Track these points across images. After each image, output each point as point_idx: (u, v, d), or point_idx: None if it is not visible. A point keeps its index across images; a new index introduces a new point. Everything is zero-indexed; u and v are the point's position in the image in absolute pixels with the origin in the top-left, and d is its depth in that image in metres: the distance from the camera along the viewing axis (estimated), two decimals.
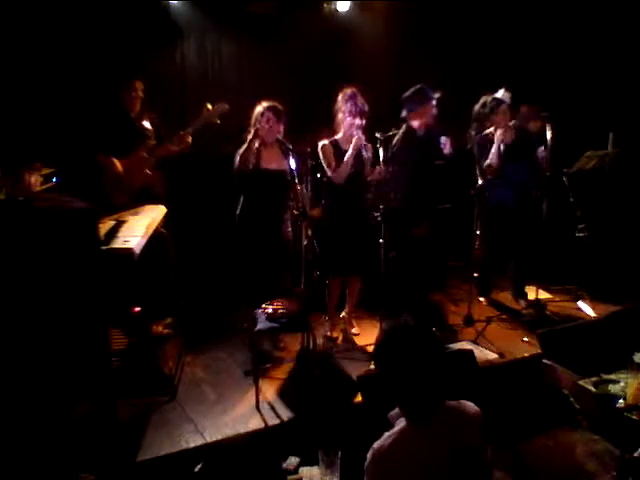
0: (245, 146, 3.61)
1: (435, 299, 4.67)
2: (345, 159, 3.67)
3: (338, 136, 3.78)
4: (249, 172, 3.54)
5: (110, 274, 2.73)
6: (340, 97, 3.73)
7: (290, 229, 3.77)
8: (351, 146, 3.66)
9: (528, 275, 4.55)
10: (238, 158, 3.60)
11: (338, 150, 3.73)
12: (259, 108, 3.58)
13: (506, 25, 5.34)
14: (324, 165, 3.76)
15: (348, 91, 3.70)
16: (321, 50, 5.04)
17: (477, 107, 4.31)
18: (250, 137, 3.61)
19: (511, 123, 4.22)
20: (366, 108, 3.68)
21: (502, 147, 4.16)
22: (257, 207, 3.61)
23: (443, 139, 3.97)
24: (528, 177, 4.29)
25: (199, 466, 2.60)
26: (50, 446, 2.50)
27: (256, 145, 3.57)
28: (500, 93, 4.19)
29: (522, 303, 4.51)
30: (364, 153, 3.77)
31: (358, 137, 3.65)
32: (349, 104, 3.66)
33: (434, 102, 3.96)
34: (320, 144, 3.77)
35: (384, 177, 3.76)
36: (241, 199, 3.67)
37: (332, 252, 3.77)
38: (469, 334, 3.98)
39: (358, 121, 3.66)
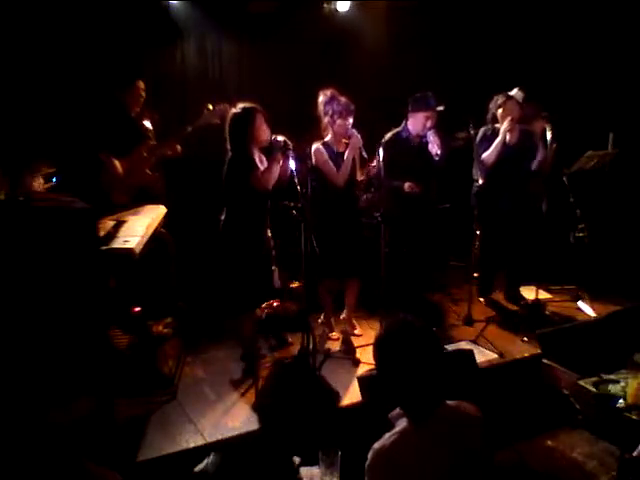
0: (247, 160, 3.33)
1: (435, 299, 4.67)
2: (345, 161, 3.63)
3: (327, 138, 3.73)
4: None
5: (110, 274, 2.74)
6: (321, 99, 3.65)
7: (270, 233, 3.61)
8: (349, 147, 3.62)
9: (521, 279, 4.55)
10: (235, 169, 3.34)
11: (331, 152, 3.68)
12: (243, 111, 3.32)
13: (506, 26, 5.34)
14: (322, 169, 3.68)
15: (328, 92, 3.62)
16: (321, 50, 5.04)
17: (490, 104, 4.28)
18: (245, 147, 3.34)
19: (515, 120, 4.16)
20: (352, 107, 3.60)
21: (503, 146, 4.14)
22: (247, 214, 3.43)
23: (430, 135, 3.92)
24: (526, 180, 4.28)
25: (203, 464, 2.59)
26: (49, 446, 2.50)
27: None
28: (513, 91, 4.15)
29: (518, 304, 4.50)
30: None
31: (356, 137, 3.62)
32: (334, 105, 3.58)
33: (430, 113, 3.92)
34: (313, 148, 3.69)
35: (377, 176, 3.73)
36: (226, 207, 3.48)
37: (325, 255, 3.73)
38: (469, 334, 3.97)
39: (348, 121, 3.60)
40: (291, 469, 2.47)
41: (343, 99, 3.60)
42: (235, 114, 3.34)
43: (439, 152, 3.92)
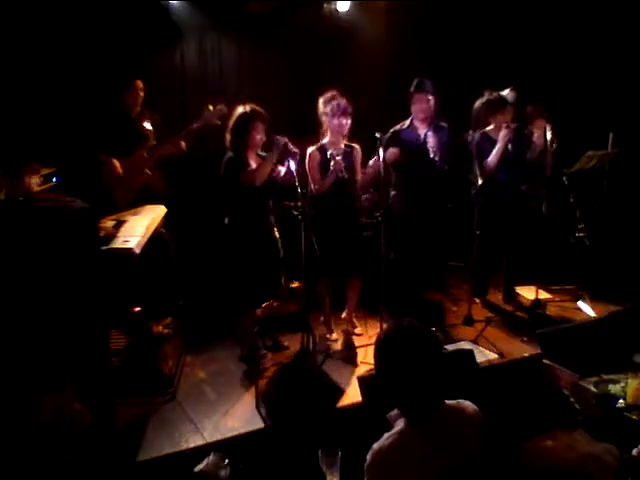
0: (243, 162, 3.42)
1: (435, 299, 4.67)
2: (326, 180, 3.60)
3: (325, 140, 3.73)
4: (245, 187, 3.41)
5: (110, 274, 2.74)
6: (321, 101, 3.67)
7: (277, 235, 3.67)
8: (330, 170, 3.58)
9: (518, 279, 4.57)
10: (231, 169, 3.41)
11: (325, 156, 3.65)
12: (242, 117, 3.40)
13: (507, 25, 5.33)
14: (309, 174, 3.68)
15: (328, 94, 3.65)
16: (321, 50, 5.04)
17: (478, 103, 4.26)
18: (241, 149, 3.42)
19: (512, 125, 4.16)
20: (350, 109, 3.61)
21: (505, 151, 4.13)
22: (247, 215, 3.50)
23: (430, 136, 3.94)
24: (521, 179, 4.27)
25: (203, 464, 2.58)
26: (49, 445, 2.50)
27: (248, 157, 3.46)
28: (506, 92, 4.12)
29: (516, 304, 4.51)
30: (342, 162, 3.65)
31: (336, 162, 3.55)
32: (333, 105, 3.60)
33: (425, 96, 3.94)
34: (308, 151, 3.68)
35: (379, 175, 3.73)
36: (227, 209, 3.55)
37: (321, 255, 3.69)
38: (469, 334, 3.98)
39: (344, 120, 3.61)
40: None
41: (341, 100, 3.61)
42: (235, 119, 3.42)
43: (437, 157, 3.95)
